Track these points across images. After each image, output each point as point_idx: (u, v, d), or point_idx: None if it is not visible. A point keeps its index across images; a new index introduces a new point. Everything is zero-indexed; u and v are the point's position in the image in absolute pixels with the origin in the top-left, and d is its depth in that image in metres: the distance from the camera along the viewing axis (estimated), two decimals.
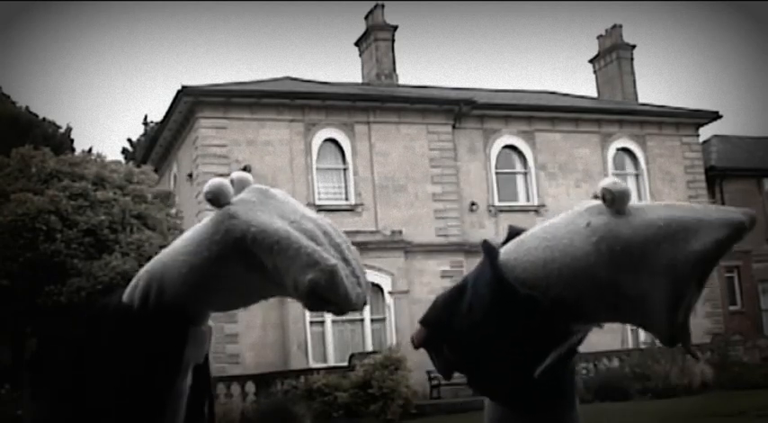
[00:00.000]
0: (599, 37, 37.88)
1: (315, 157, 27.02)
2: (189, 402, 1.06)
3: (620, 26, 37.09)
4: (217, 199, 1.02)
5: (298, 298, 1.04)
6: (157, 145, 30.94)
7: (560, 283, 1.26)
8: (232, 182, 1.05)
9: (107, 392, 1.01)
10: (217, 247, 1.02)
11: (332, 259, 1.02)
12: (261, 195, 1.06)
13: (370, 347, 24.74)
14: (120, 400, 1.00)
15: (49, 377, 1.06)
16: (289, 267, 1.00)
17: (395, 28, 33.23)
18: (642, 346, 26.83)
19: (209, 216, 1.08)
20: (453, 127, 28.90)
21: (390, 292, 25.90)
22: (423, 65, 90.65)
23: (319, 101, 27.38)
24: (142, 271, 1.06)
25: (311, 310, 1.05)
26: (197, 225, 1.08)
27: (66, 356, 1.06)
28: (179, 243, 1.08)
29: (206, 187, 1.02)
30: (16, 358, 22.33)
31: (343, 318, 25.54)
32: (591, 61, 38.20)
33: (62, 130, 40.80)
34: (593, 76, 37.96)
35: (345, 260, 1.07)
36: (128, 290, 1.05)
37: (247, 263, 1.01)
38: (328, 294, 0.99)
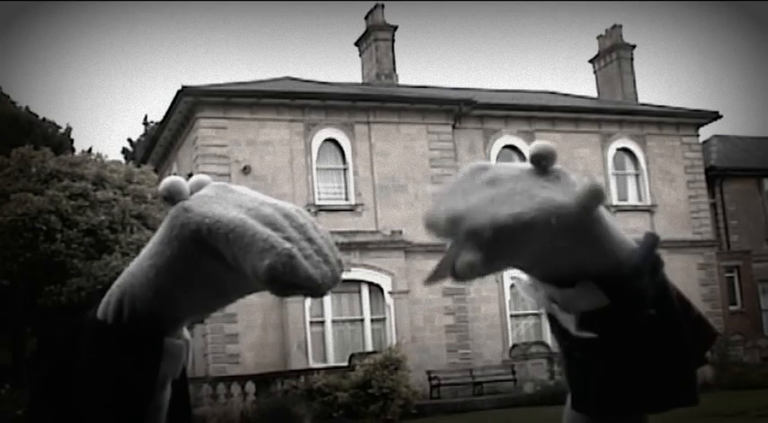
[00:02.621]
0: (599, 37, 37.89)
1: (315, 157, 27.02)
2: (169, 416, 1.05)
3: (620, 26, 37.10)
4: (171, 196, 1.00)
5: (261, 286, 1.00)
6: (157, 145, 30.94)
7: None
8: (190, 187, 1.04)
9: (87, 409, 1.00)
10: (177, 242, 0.99)
11: (287, 243, 0.98)
12: (219, 190, 1.04)
13: (370, 347, 24.74)
14: (97, 417, 0.99)
15: (41, 382, 1.05)
16: (245, 256, 0.97)
17: (395, 28, 33.23)
18: None
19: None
20: (453, 127, 28.91)
21: (390, 292, 25.89)
22: (423, 65, 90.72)
23: (319, 101, 27.38)
24: (114, 286, 1.05)
25: (280, 295, 1.01)
26: (158, 231, 1.07)
27: (52, 368, 1.05)
28: (143, 251, 1.06)
29: (161, 185, 1.00)
30: (16, 358, 22.35)
31: (343, 317, 25.56)
32: (591, 61, 38.21)
33: (62, 130, 40.84)
34: (593, 76, 37.98)
35: (310, 239, 1.01)
36: (101, 306, 1.04)
37: (210, 255, 1.00)
38: (288, 278, 0.96)
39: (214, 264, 1.01)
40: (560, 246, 0.97)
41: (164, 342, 1.04)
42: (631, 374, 0.99)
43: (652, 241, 1.01)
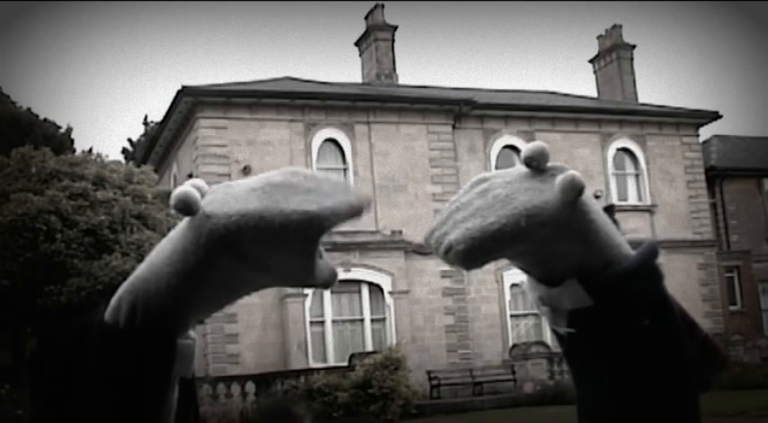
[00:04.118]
0: (599, 37, 37.90)
1: (315, 157, 27.02)
2: (176, 416, 1.05)
3: (620, 26, 37.11)
4: (188, 207, 1.00)
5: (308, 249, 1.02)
6: (157, 145, 30.94)
7: None
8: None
9: (97, 413, 1.00)
10: (204, 250, 0.99)
11: (313, 204, 1.01)
12: (224, 188, 1.05)
13: (370, 347, 24.74)
14: (110, 420, 0.99)
15: (43, 385, 1.04)
16: (284, 236, 0.99)
17: (395, 28, 33.24)
18: None
19: (179, 225, 1.07)
20: (453, 127, 28.90)
21: (390, 292, 25.89)
22: (423, 65, 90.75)
23: (319, 101, 27.38)
24: (122, 291, 1.04)
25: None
26: (171, 237, 1.06)
27: (54, 371, 1.04)
28: (157, 258, 1.05)
29: (172, 199, 0.99)
30: (16, 358, 22.34)
31: (343, 317, 25.56)
32: (591, 61, 38.21)
33: (62, 131, 40.83)
34: (593, 76, 37.98)
35: (322, 180, 1.06)
36: (109, 310, 1.02)
37: (236, 257, 1.00)
38: (338, 219, 1.00)
39: (237, 264, 1.02)
40: (548, 244, 0.97)
41: (176, 343, 1.04)
42: (628, 391, 0.97)
43: (649, 250, 1.00)
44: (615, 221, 1.05)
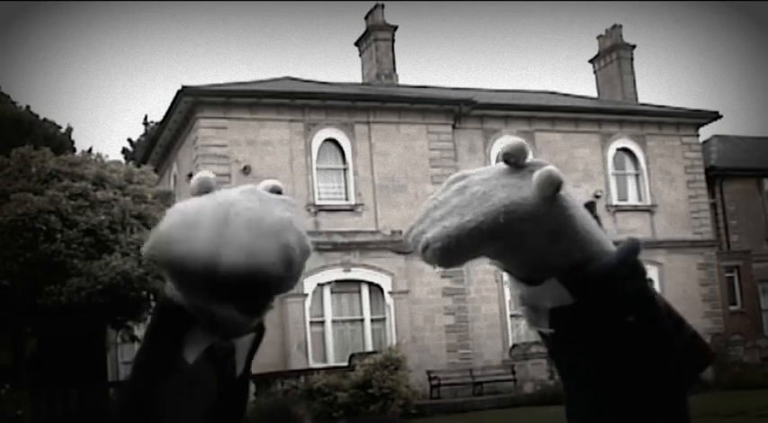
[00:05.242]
0: (599, 37, 37.87)
1: (315, 157, 27.02)
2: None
3: (620, 26, 37.09)
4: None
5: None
6: (157, 145, 30.93)
7: None
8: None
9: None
10: None
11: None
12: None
13: (370, 347, 24.74)
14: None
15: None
16: None
17: (395, 28, 33.23)
18: None
19: None
20: (453, 127, 28.89)
21: (390, 292, 25.89)
22: (423, 65, 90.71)
23: (319, 101, 27.37)
24: None
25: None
26: None
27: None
28: None
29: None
30: (16, 358, 22.33)
31: (343, 317, 25.55)
32: (591, 61, 38.18)
33: (62, 130, 40.80)
34: (593, 76, 37.96)
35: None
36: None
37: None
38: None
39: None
40: (527, 240, 0.97)
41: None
42: (616, 388, 0.96)
43: (630, 247, 0.99)
44: (596, 217, 1.04)
